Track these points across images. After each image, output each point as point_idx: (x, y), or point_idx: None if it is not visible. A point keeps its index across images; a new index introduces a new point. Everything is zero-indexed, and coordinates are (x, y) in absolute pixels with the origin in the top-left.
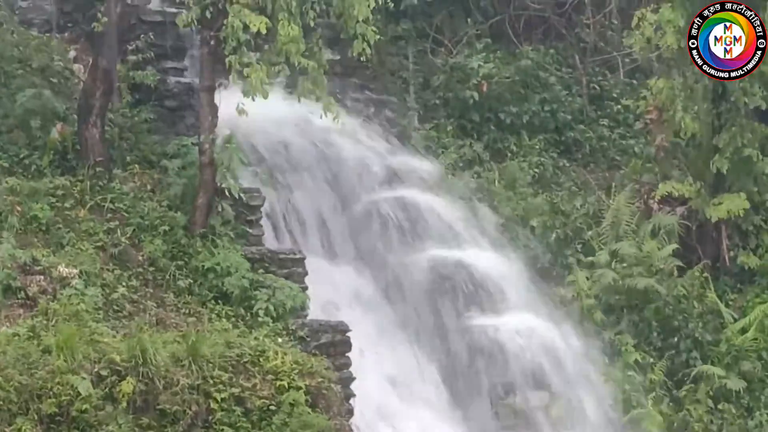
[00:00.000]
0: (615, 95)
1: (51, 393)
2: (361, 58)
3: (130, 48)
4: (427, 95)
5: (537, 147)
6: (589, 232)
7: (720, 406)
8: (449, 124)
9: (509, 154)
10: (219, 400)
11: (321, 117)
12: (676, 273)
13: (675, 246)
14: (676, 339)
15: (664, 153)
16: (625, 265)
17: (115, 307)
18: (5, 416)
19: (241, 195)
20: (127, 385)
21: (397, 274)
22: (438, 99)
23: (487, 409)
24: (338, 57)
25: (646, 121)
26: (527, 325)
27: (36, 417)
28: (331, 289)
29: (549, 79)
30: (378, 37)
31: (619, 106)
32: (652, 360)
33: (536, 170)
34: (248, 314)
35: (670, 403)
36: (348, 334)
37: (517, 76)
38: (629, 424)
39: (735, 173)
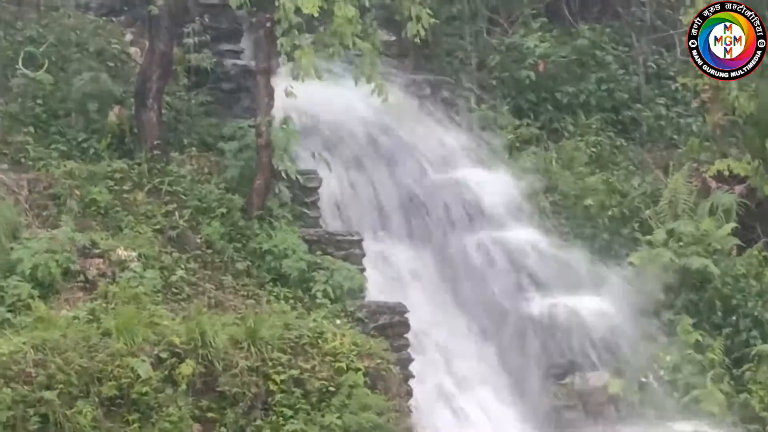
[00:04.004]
0: (672, 74)
1: (111, 376)
2: (416, 39)
3: (186, 31)
4: (483, 75)
5: (594, 126)
6: (647, 212)
7: None
8: (506, 104)
9: (566, 134)
10: (278, 381)
11: (374, 98)
12: (735, 252)
13: (734, 225)
14: (735, 318)
15: (721, 131)
16: (681, 243)
17: (174, 290)
18: (66, 399)
19: (298, 177)
20: (187, 368)
21: (454, 254)
22: (494, 79)
23: (545, 389)
24: (393, 38)
25: (703, 100)
26: (585, 304)
27: (96, 400)
28: (389, 270)
29: (605, 58)
30: (432, 19)
31: (677, 85)
32: (711, 339)
33: (593, 149)
34: (306, 296)
35: (731, 383)
36: (406, 315)
37: (574, 55)
38: (689, 404)
39: None
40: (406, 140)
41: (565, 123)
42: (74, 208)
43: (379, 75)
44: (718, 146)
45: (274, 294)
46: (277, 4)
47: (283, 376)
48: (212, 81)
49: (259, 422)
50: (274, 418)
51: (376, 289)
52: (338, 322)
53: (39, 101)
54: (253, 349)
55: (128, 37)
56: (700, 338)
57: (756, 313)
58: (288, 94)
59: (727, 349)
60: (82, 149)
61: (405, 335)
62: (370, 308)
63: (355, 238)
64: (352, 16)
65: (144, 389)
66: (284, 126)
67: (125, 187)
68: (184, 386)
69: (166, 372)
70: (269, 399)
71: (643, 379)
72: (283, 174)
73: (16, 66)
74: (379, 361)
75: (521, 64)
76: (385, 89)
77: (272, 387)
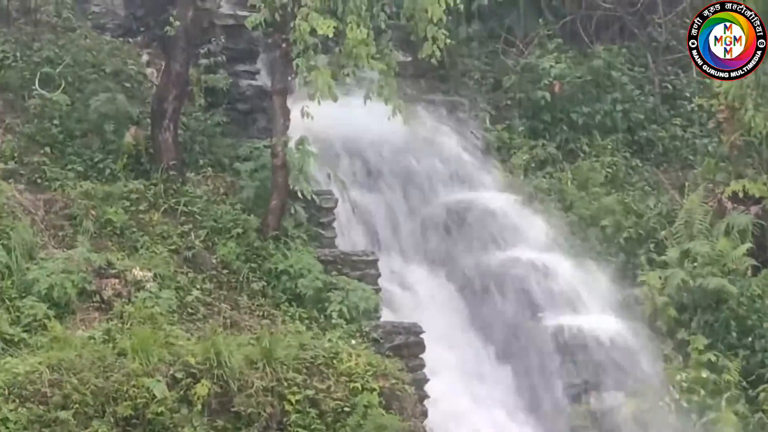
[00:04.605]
0: (688, 94)
1: (126, 396)
2: (432, 60)
3: (202, 51)
4: (499, 96)
5: (609, 147)
6: (662, 232)
7: None
8: (521, 124)
9: (582, 155)
10: (293, 402)
11: (389, 119)
12: (750, 272)
13: (749, 245)
14: (750, 339)
15: (737, 152)
16: (696, 264)
17: (190, 310)
18: (81, 419)
19: (314, 197)
20: (202, 388)
21: (469, 275)
22: (509, 100)
23: (560, 410)
24: (409, 59)
25: (719, 120)
26: (600, 325)
27: (112, 420)
28: (405, 290)
29: (621, 78)
30: (448, 40)
31: (692, 105)
32: (726, 360)
33: (609, 170)
34: (322, 316)
35: (746, 404)
36: (421, 335)
37: (589, 75)
38: (704, 426)
39: None
40: (421, 160)
41: (581, 143)
42: (90, 229)
43: (396, 95)
44: (734, 167)
45: (290, 314)
46: (292, 25)
47: (298, 396)
48: (228, 101)
49: None
50: None
51: (391, 309)
52: (353, 342)
53: (55, 122)
54: (268, 369)
55: (144, 57)
56: (714, 359)
57: None
58: (305, 114)
59: (742, 370)
60: (99, 170)
61: (420, 355)
62: (386, 328)
63: (371, 258)
64: (363, 38)
65: (159, 409)
66: (300, 147)
67: (141, 208)
68: (199, 406)
69: (182, 392)
70: (284, 419)
71: (659, 401)
72: (299, 194)
73: (33, 87)
74: (394, 381)
75: (537, 85)
76: (404, 109)
77: (287, 407)
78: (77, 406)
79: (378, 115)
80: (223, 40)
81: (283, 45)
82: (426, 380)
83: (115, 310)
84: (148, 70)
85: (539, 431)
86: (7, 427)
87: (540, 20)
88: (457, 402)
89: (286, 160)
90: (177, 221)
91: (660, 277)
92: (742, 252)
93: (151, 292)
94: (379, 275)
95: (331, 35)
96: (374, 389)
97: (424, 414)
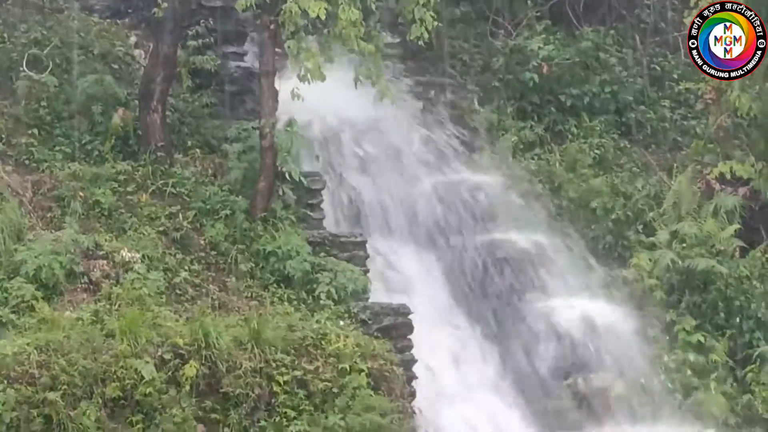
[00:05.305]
0: (676, 76)
1: (115, 377)
2: (420, 42)
3: (190, 33)
4: (487, 78)
5: (598, 128)
6: (651, 214)
7: None
8: (509, 106)
9: (570, 136)
10: (282, 383)
11: (376, 99)
12: (738, 254)
13: (737, 226)
14: (738, 319)
15: (724, 133)
16: (685, 245)
17: (178, 291)
18: (70, 400)
19: (302, 179)
20: (190, 369)
21: (457, 256)
22: (498, 81)
23: (549, 391)
24: (398, 40)
25: (707, 101)
26: (589, 306)
27: (100, 401)
28: (392, 272)
29: (609, 60)
30: (436, 22)
31: (680, 87)
32: (714, 341)
33: (597, 152)
34: (310, 297)
35: (734, 384)
36: (410, 316)
37: (578, 57)
38: (692, 406)
39: None
40: (410, 142)
41: (569, 125)
42: (78, 210)
43: (383, 78)
44: (722, 148)
45: (278, 295)
46: (282, 7)
47: (286, 377)
48: (216, 83)
49: (262, 423)
50: (277, 419)
51: (380, 290)
52: (342, 323)
53: (43, 103)
54: (256, 351)
55: (132, 39)
56: (702, 340)
57: (759, 315)
58: (294, 96)
59: (730, 351)
60: (86, 151)
61: (408, 336)
62: (374, 309)
63: (359, 239)
64: (355, 19)
65: (147, 390)
66: (288, 128)
67: (129, 189)
68: (187, 387)
69: (170, 373)
70: (273, 400)
71: (646, 381)
72: (287, 176)
73: (21, 68)
74: (382, 362)
75: (525, 67)
76: (390, 91)
77: (276, 388)
78: (65, 387)
79: (365, 96)
80: (211, 22)
81: (272, 26)
82: (414, 361)
83: (103, 291)
84: (136, 52)
85: (527, 412)
86: None
87: (528, 2)
88: (446, 383)
89: (274, 141)
90: (165, 202)
91: (649, 259)
92: (730, 233)
93: (139, 273)
94: (367, 256)
95: (322, 17)
96: (362, 370)
97: (413, 395)
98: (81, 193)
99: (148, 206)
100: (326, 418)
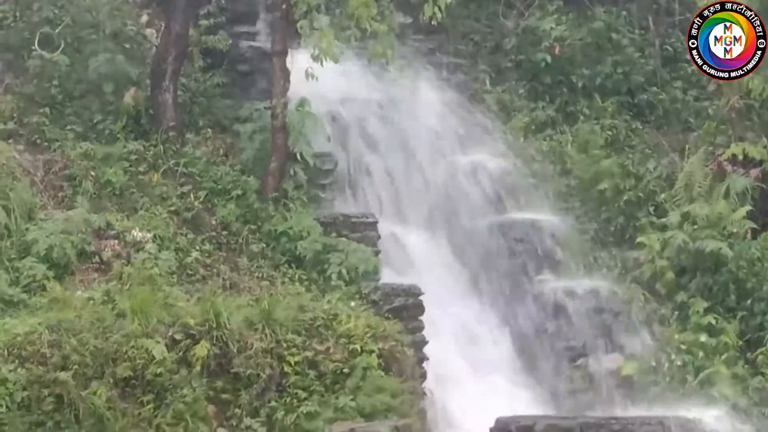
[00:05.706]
0: (688, 57)
1: (126, 357)
2: (433, 22)
3: (202, 13)
4: (499, 58)
5: (609, 109)
6: (662, 195)
7: None
8: (521, 86)
9: (582, 117)
10: (292, 363)
11: (390, 80)
12: (749, 235)
13: (748, 208)
14: (749, 302)
15: (737, 115)
16: (696, 227)
17: (189, 271)
18: (81, 380)
19: (314, 159)
20: (201, 349)
21: (469, 237)
22: (510, 62)
23: (559, 372)
24: (410, 20)
25: (719, 83)
26: (599, 287)
27: (111, 381)
28: (404, 253)
29: (621, 41)
30: (448, 1)
31: (693, 68)
32: (725, 323)
33: (609, 133)
34: (321, 278)
35: (745, 366)
36: (421, 297)
37: (590, 38)
38: (702, 387)
39: None
40: (422, 123)
41: (581, 106)
42: (89, 190)
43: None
44: (734, 130)
45: (289, 276)
46: None
47: (297, 358)
48: (228, 63)
49: (273, 404)
50: (288, 399)
51: (391, 271)
52: (353, 304)
53: (55, 82)
54: (267, 331)
55: (144, 18)
56: (713, 321)
57: None
58: (309, 76)
59: (741, 333)
60: (98, 130)
61: (419, 317)
62: (385, 290)
63: (370, 220)
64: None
65: (158, 370)
66: (300, 108)
67: (140, 169)
68: (198, 367)
69: (181, 353)
70: (283, 380)
71: (656, 363)
72: (299, 156)
73: (33, 47)
74: (393, 343)
75: (537, 47)
76: (406, 71)
77: (286, 369)
78: (76, 366)
79: (374, 76)
80: (222, 1)
81: (284, 6)
82: (425, 342)
83: (115, 271)
84: (148, 31)
85: (537, 393)
86: (7, 388)
87: None
88: (456, 364)
89: (286, 121)
90: (176, 182)
91: (659, 240)
92: (742, 215)
93: (150, 253)
94: (378, 237)
95: None
96: (373, 351)
97: (423, 376)
98: (92, 173)
99: (160, 186)
100: (337, 398)
